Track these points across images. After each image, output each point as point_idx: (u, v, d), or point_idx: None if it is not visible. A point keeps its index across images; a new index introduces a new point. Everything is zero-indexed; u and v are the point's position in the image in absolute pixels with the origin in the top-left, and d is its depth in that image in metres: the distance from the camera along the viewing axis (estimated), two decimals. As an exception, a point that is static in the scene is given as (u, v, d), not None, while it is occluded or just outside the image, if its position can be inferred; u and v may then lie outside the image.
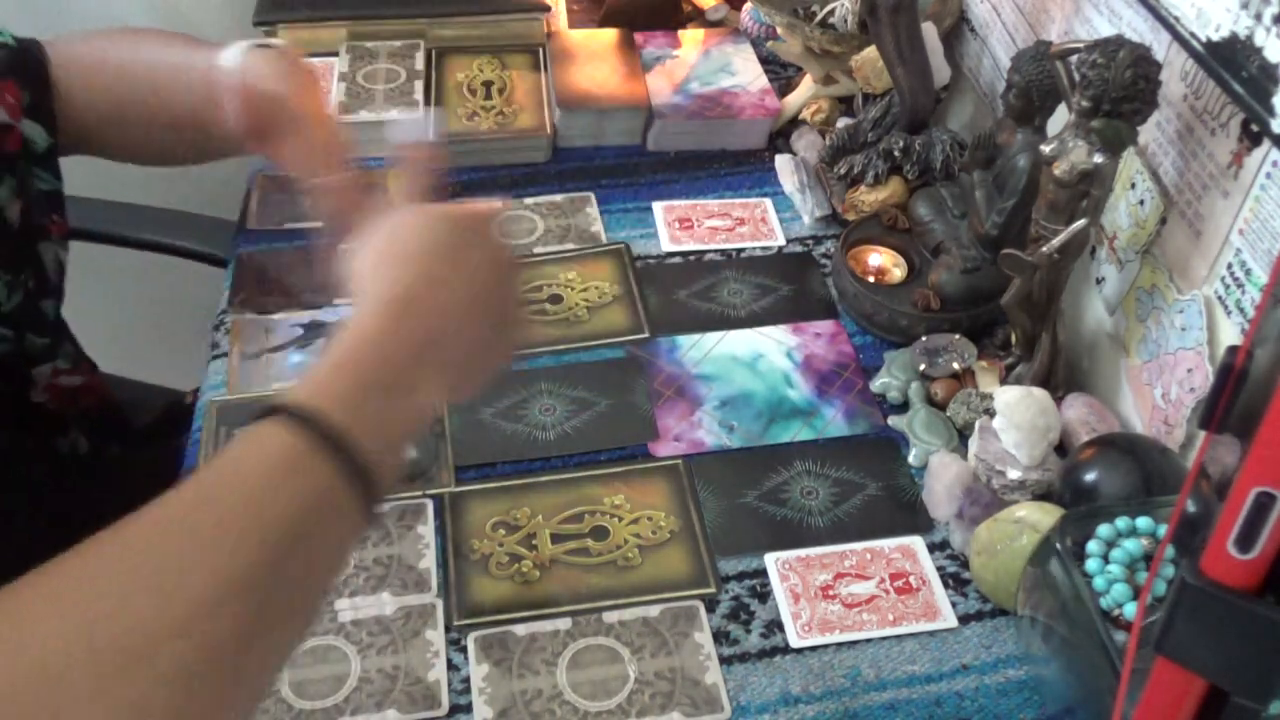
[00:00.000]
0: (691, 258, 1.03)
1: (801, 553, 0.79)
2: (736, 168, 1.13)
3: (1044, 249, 0.79)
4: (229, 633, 0.46)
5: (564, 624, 0.74)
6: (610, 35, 1.24)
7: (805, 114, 1.16)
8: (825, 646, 0.73)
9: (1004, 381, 0.89)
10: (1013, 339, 0.90)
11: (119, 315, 1.61)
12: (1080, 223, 0.78)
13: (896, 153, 1.02)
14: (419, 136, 0.70)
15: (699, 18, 1.31)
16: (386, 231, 0.63)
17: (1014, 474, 0.80)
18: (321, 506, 0.51)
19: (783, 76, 1.23)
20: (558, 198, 1.08)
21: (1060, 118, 0.82)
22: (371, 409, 0.54)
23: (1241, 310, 0.73)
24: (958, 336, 0.91)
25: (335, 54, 1.18)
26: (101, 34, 0.86)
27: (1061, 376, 0.88)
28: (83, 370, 0.90)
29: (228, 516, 0.48)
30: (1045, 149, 0.78)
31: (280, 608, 0.49)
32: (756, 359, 0.93)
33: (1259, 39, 0.64)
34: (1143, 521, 0.67)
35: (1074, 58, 0.76)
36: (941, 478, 0.81)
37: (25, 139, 0.79)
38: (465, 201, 0.69)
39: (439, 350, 0.58)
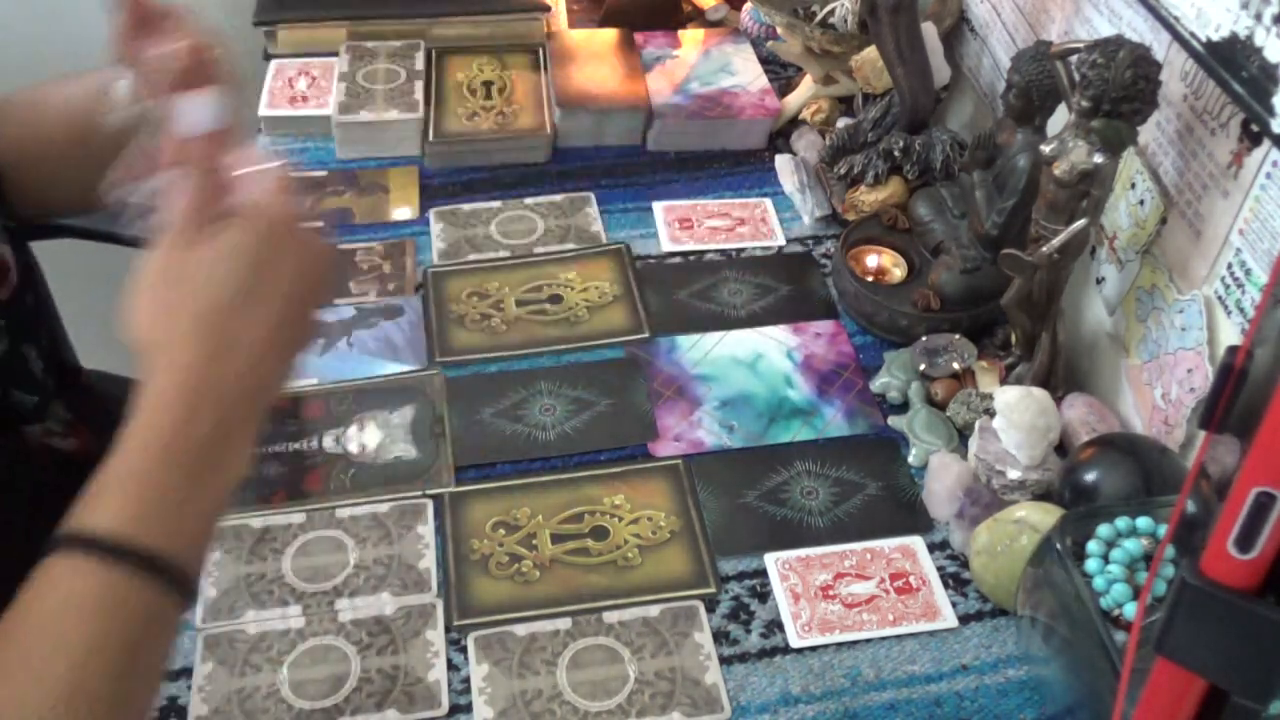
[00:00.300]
0: (691, 258, 1.03)
1: (801, 553, 0.79)
2: (736, 168, 1.13)
3: (1044, 249, 0.79)
4: None
5: (564, 624, 0.74)
6: (610, 35, 1.24)
7: (805, 114, 1.16)
8: (825, 646, 0.73)
9: (1004, 381, 0.89)
10: (1013, 339, 0.90)
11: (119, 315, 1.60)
12: (1080, 223, 0.78)
13: (896, 153, 1.02)
14: (206, 125, 0.56)
15: (699, 18, 1.31)
16: (171, 273, 0.54)
17: (1014, 474, 0.80)
18: (148, 625, 0.49)
19: (783, 76, 1.23)
20: (558, 198, 1.08)
21: (1060, 118, 0.82)
22: (177, 511, 0.51)
23: (1241, 310, 0.73)
24: (958, 336, 0.91)
25: (335, 54, 1.18)
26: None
27: (1061, 376, 0.88)
28: (77, 434, 0.88)
29: (61, 688, 0.46)
30: (1045, 149, 0.78)
31: None
32: (756, 359, 0.93)
33: (1259, 39, 0.64)
34: (1143, 521, 0.67)
35: (1074, 58, 0.76)
36: (941, 478, 0.81)
37: None
38: (260, 204, 0.56)
39: (244, 420, 0.54)
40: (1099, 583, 0.64)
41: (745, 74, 1.20)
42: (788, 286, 1.00)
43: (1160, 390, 0.80)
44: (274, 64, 1.19)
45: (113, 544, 0.49)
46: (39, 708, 0.46)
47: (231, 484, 0.53)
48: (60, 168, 0.78)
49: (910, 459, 0.85)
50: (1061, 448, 0.83)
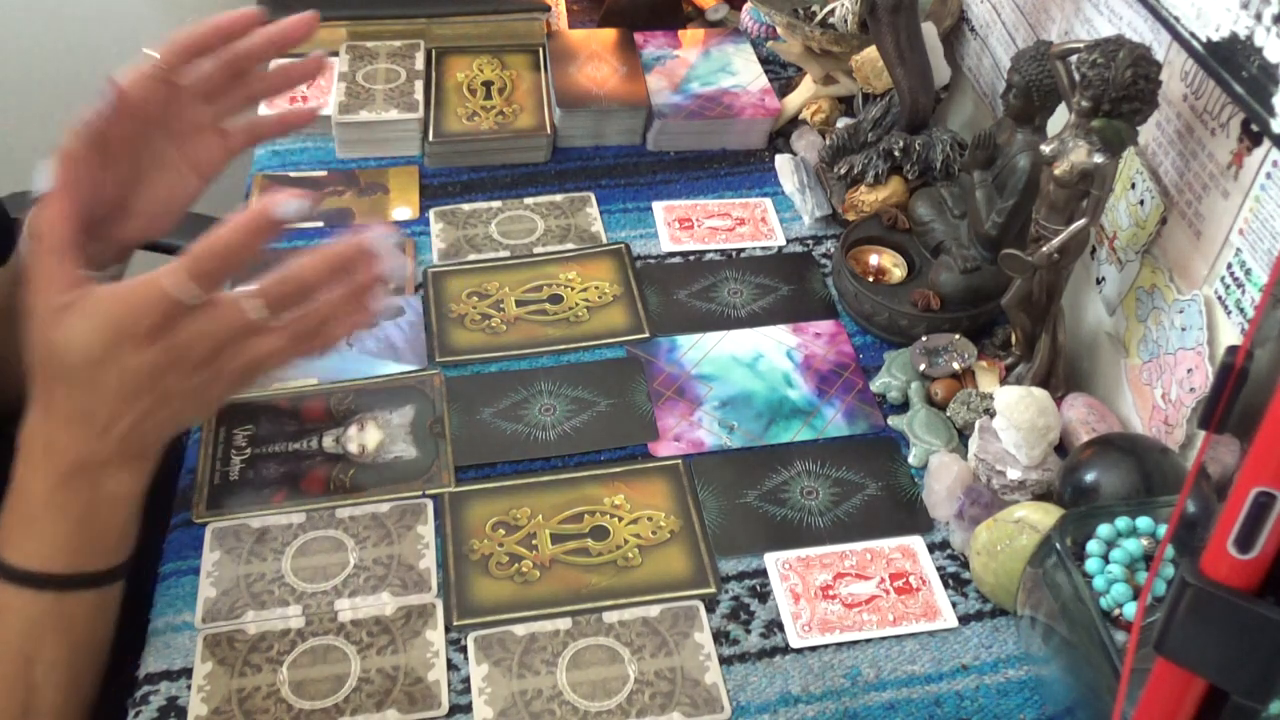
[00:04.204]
0: (691, 258, 1.03)
1: (801, 553, 0.79)
2: (736, 168, 1.13)
3: (1044, 249, 0.79)
4: None
5: (564, 624, 0.74)
6: (610, 35, 1.24)
7: (805, 114, 1.16)
8: (825, 646, 0.73)
9: (1004, 381, 0.89)
10: (1013, 339, 0.90)
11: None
12: (1080, 223, 0.78)
13: (896, 153, 1.02)
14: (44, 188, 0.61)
15: (699, 18, 1.32)
16: (47, 335, 0.59)
17: (1014, 474, 0.80)
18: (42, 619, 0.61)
19: (783, 76, 1.23)
20: (558, 198, 1.08)
21: (1060, 118, 0.82)
22: (61, 533, 0.61)
23: (1241, 310, 0.73)
24: (958, 336, 0.91)
25: (335, 54, 1.18)
26: None
27: (1061, 376, 0.88)
28: None
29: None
30: (1045, 149, 0.78)
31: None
32: (756, 359, 0.93)
33: (1259, 39, 0.64)
34: (1143, 521, 0.67)
35: (1074, 58, 0.76)
36: (941, 478, 0.81)
37: None
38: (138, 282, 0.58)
39: (100, 475, 0.61)
40: (1099, 583, 0.64)
41: (745, 74, 1.20)
42: (788, 286, 1.00)
43: (1160, 390, 0.80)
44: (274, 64, 1.19)
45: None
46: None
47: (121, 490, 0.62)
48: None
49: (910, 459, 0.85)
50: (1061, 448, 0.83)
